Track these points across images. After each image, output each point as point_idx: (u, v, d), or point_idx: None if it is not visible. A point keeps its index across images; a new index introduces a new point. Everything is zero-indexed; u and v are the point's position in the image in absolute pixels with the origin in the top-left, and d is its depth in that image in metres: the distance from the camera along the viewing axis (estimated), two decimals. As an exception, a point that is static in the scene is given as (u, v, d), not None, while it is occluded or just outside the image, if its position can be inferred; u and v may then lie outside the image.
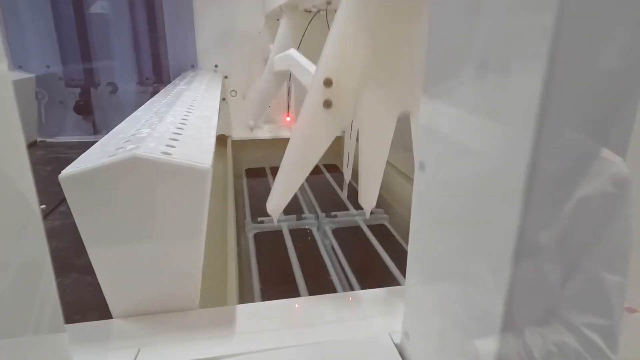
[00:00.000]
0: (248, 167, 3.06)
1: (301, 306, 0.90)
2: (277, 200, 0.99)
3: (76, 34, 2.87)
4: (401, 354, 0.72)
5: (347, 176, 1.04)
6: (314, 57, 1.61)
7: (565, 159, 0.46)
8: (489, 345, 0.53)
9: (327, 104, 0.85)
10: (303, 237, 1.91)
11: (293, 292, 1.41)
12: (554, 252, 0.51)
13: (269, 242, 1.80)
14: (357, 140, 0.98)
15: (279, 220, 1.91)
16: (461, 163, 0.55)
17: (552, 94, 0.41)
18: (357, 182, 1.07)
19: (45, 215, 1.54)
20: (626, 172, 0.50)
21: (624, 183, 0.51)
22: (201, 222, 0.79)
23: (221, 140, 2.87)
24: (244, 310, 0.86)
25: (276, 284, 1.49)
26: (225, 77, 3.15)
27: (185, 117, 1.13)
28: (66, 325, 0.57)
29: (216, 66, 3.11)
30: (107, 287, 0.81)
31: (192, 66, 3.07)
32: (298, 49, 1.80)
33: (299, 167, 0.96)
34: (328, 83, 0.84)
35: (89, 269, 0.78)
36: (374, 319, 0.83)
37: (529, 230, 0.48)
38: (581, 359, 0.56)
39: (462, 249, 0.55)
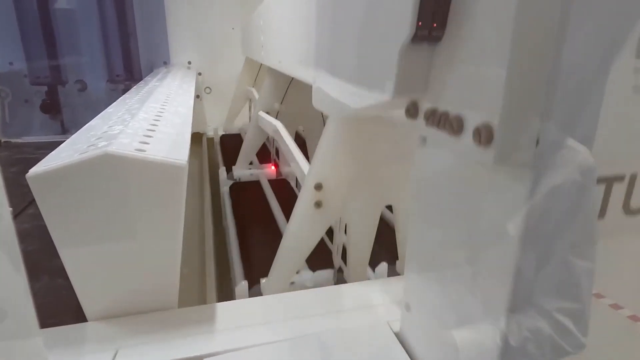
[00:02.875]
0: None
1: (290, 301, 0.89)
2: (275, 289, 1.06)
3: (41, 30, 2.76)
4: (401, 342, 0.74)
5: (337, 264, 1.18)
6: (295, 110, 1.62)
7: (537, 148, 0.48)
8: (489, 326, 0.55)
9: (318, 204, 0.96)
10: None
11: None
12: (527, 241, 0.53)
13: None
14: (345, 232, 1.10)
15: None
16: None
17: (516, 84, 0.42)
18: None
19: (13, 218, 1.48)
20: (592, 161, 0.52)
21: (590, 171, 0.53)
22: (178, 220, 0.77)
23: (196, 137, 2.83)
24: (225, 307, 0.85)
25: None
26: (199, 74, 3.10)
27: (159, 114, 1.10)
28: (40, 329, 0.55)
29: (189, 63, 3.05)
30: (80, 290, 0.79)
31: (165, 63, 3.01)
32: (281, 103, 1.94)
33: (293, 259, 1.05)
34: (318, 187, 0.95)
35: (60, 272, 0.76)
36: (372, 309, 0.84)
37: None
38: (554, 343, 0.58)
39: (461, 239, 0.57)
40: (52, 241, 0.73)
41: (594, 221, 0.57)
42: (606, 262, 0.58)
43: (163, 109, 1.20)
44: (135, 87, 1.80)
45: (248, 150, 2.22)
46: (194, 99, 3.04)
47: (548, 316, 0.58)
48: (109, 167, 0.70)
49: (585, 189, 0.54)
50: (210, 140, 3.00)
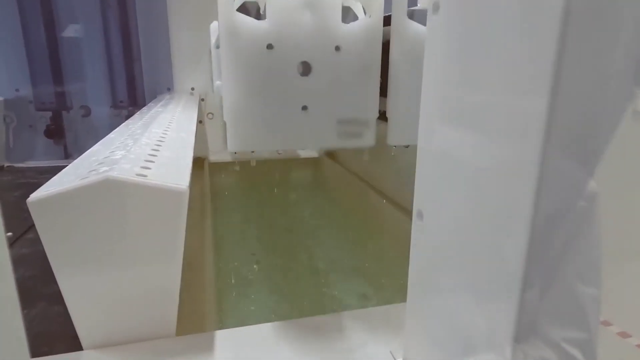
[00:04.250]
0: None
1: (291, 330, 0.88)
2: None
3: (48, 57, 2.82)
4: None
5: None
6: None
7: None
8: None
9: None
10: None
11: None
12: (532, 267, 0.52)
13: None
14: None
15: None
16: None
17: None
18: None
19: (12, 243, 1.47)
20: (595, 187, 0.52)
21: (595, 197, 0.53)
22: (178, 246, 0.77)
23: (198, 162, 2.84)
24: (225, 335, 0.83)
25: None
26: (202, 99, 3.14)
27: (162, 139, 1.11)
28: (33, 359, 0.53)
29: (192, 89, 3.10)
30: (77, 317, 0.77)
31: (168, 89, 3.05)
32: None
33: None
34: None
35: (57, 298, 0.75)
36: (374, 337, 0.82)
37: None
38: None
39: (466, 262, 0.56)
40: (50, 267, 0.72)
41: (599, 247, 0.57)
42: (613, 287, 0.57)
43: (165, 134, 1.20)
44: (138, 112, 1.82)
45: None
46: (197, 125, 3.08)
47: (555, 346, 0.57)
48: (110, 192, 0.70)
49: (590, 215, 0.53)
50: (213, 165, 3.01)
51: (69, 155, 2.97)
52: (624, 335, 0.81)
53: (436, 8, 0.54)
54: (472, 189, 0.53)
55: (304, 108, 0.85)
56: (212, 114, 3.21)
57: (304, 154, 3.21)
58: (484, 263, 0.53)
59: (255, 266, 1.92)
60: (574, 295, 0.56)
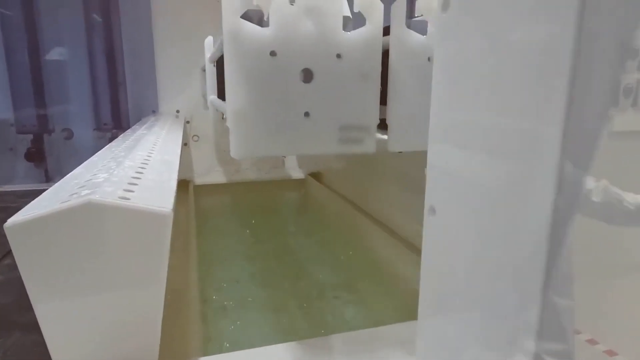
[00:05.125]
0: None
1: (287, 353, 0.85)
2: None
3: (31, 80, 2.80)
4: None
5: None
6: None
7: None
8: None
9: None
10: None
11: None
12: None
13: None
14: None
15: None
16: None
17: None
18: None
19: (-13, 269, 1.42)
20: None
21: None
22: (161, 270, 0.75)
23: (183, 185, 2.82)
24: (207, 363, 0.81)
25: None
26: (187, 122, 3.14)
27: (146, 162, 1.10)
28: (5, 392, 0.51)
29: (178, 111, 3.10)
30: (54, 346, 0.74)
31: (153, 111, 3.04)
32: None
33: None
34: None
35: (34, 327, 0.72)
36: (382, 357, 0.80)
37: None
38: None
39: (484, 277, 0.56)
40: (26, 294, 0.70)
41: (571, 257, 0.58)
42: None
43: (150, 156, 1.19)
44: (122, 135, 1.80)
45: None
46: (182, 147, 3.07)
47: (537, 358, 0.57)
48: (92, 216, 0.69)
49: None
50: (198, 188, 2.98)
51: (50, 178, 2.91)
52: (610, 353, 0.82)
53: (445, 6, 0.55)
54: (483, 203, 0.53)
55: (306, 114, 0.86)
56: (198, 136, 3.20)
57: (291, 175, 3.21)
58: (498, 277, 0.54)
59: (240, 291, 1.88)
60: (551, 308, 0.57)
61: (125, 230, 0.71)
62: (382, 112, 0.95)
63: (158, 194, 0.81)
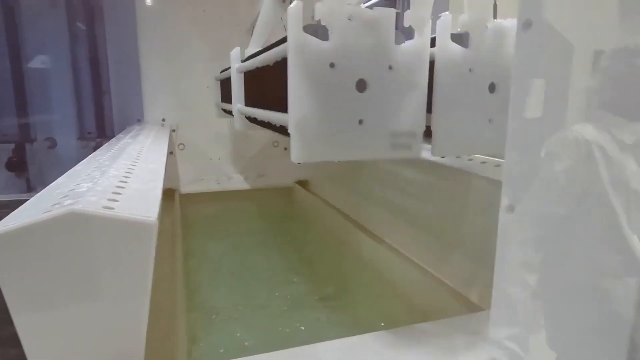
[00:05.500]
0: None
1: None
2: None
3: (12, 89, 2.74)
4: None
5: None
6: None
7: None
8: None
9: None
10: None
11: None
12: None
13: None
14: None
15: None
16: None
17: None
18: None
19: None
20: None
21: None
22: (146, 280, 0.74)
23: (169, 194, 2.79)
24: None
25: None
26: (173, 130, 3.12)
27: (130, 171, 1.09)
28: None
29: (163, 120, 3.07)
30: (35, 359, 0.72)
31: (138, 120, 3.01)
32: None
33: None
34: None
35: (14, 342, 0.70)
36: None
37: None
38: None
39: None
40: (5, 308, 0.68)
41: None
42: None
43: (134, 165, 1.18)
44: (107, 144, 1.78)
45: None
46: (167, 156, 3.04)
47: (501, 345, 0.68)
48: (75, 226, 0.68)
49: None
50: (184, 197, 2.95)
51: (32, 188, 2.85)
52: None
53: (527, 26, 0.60)
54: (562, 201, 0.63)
55: (360, 122, 0.90)
56: (184, 144, 3.18)
57: (278, 183, 3.20)
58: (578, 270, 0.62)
59: (226, 298, 1.86)
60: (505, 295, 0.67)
61: (110, 240, 0.70)
62: (427, 119, 0.99)
63: (143, 203, 0.80)
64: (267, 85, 1.23)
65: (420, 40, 0.91)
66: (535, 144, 0.64)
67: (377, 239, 1.90)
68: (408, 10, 0.92)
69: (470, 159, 1.37)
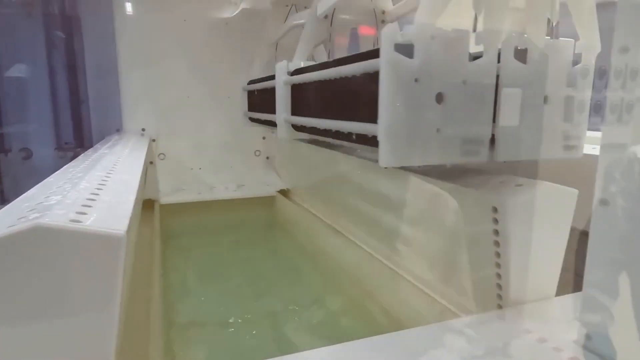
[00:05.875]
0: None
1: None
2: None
3: (-14, 98, 2.70)
4: None
5: None
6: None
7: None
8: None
9: None
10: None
11: None
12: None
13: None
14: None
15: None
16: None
17: None
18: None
19: None
20: None
21: None
22: (115, 294, 0.73)
23: (148, 205, 2.75)
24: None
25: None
26: (153, 140, 3.09)
27: (103, 182, 1.07)
28: None
29: (143, 130, 3.04)
30: (-1, 379, 0.70)
31: (118, 130, 2.98)
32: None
33: None
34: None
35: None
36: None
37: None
38: None
39: None
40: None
41: None
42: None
43: (108, 177, 1.17)
44: (82, 155, 1.76)
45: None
46: (147, 166, 3.01)
47: None
48: (40, 240, 0.67)
49: None
50: (165, 207, 2.92)
51: (5, 200, 2.79)
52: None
53: (624, 50, 0.76)
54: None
55: (438, 130, 1.02)
56: (164, 154, 3.15)
57: (260, 192, 3.19)
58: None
59: (204, 310, 1.84)
60: None
61: (77, 255, 0.69)
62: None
63: (112, 216, 0.79)
64: (334, 97, 1.40)
65: (488, 59, 1.04)
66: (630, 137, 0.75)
67: (357, 247, 1.91)
68: (479, 30, 1.06)
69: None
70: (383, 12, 2.01)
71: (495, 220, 1.04)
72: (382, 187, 1.66)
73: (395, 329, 0.98)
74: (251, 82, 2.72)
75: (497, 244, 1.05)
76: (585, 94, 1.17)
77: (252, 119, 2.80)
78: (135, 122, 3.02)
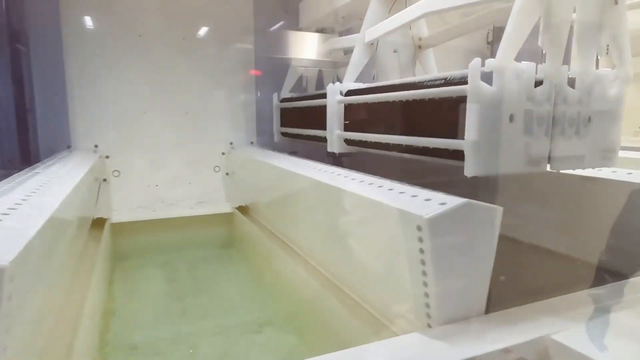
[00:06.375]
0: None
1: None
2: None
3: None
4: None
5: None
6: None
7: None
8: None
9: None
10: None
11: None
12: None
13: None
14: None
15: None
16: None
17: None
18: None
19: None
20: None
21: None
22: None
23: (98, 224, 2.65)
24: None
25: None
26: (107, 157, 3.00)
27: (15, 206, 1.02)
28: None
29: (96, 146, 2.96)
30: None
31: (68, 147, 2.88)
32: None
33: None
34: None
35: None
36: None
37: None
38: None
39: None
40: None
41: None
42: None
43: (26, 199, 1.11)
44: (15, 175, 1.68)
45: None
46: (101, 183, 2.91)
47: None
48: None
49: None
50: (117, 226, 2.82)
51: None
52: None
53: None
54: None
55: (509, 145, 1.25)
56: (119, 171, 3.06)
57: (218, 210, 3.13)
58: None
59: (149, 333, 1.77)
60: None
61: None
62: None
63: (4, 244, 0.75)
64: (405, 115, 1.63)
65: (547, 86, 1.27)
66: None
67: (306, 263, 1.88)
68: (543, 64, 1.28)
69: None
70: (420, 39, 2.26)
71: (420, 239, 1.04)
72: (327, 203, 1.65)
73: (337, 348, 0.96)
74: (286, 100, 3.03)
75: (423, 262, 1.05)
76: (619, 114, 1.43)
77: (285, 134, 3.07)
78: (87, 138, 2.93)
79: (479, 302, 1.10)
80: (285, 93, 3.12)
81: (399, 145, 1.64)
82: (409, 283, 1.13)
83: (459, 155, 1.30)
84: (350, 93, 2.07)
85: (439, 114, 1.44)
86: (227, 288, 2.35)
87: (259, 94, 3.34)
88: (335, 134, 2.11)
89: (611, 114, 1.41)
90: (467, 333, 1.03)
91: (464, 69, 1.29)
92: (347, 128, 2.09)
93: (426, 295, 1.07)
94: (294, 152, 3.28)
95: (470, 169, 1.24)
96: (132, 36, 2.95)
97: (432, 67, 2.31)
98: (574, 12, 1.33)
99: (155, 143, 3.12)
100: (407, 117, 1.62)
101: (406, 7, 1.96)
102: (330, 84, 2.14)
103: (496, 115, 1.21)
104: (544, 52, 1.30)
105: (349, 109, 2.08)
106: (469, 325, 1.07)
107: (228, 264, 2.77)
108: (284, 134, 3.11)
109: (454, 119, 1.31)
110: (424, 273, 1.06)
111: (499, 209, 1.07)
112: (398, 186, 1.32)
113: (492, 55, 1.24)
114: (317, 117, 2.31)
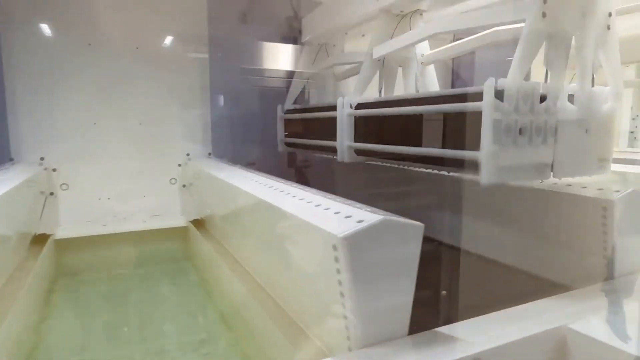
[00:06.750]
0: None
1: None
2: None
3: None
4: None
5: None
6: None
7: None
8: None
9: None
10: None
11: None
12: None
13: None
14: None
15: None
16: None
17: None
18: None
19: None
20: None
21: None
22: None
23: (40, 240, 2.52)
24: None
25: None
26: (54, 169, 2.88)
27: None
28: None
29: (42, 159, 2.83)
30: None
31: (11, 159, 2.75)
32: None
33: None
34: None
35: None
36: None
37: None
38: None
39: None
40: None
41: None
42: None
43: None
44: None
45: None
46: (47, 197, 2.79)
47: None
48: None
49: None
50: (62, 242, 2.68)
51: None
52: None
53: None
54: None
55: (520, 155, 1.37)
56: (67, 184, 2.93)
57: (173, 223, 3.03)
58: None
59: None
60: None
61: None
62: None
63: None
64: (420, 128, 1.75)
65: (550, 102, 1.40)
66: None
67: (252, 280, 1.82)
68: (548, 82, 1.42)
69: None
70: (422, 55, 2.38)
71: (336, 259, 0.99)
72: (262, 218, 1.60)
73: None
74: (291, 111, 3.10)
75: (339, 282, 1.01)
76: (612, 127, 1.54)
77: (290, 144, 3.13)
78: (32, 150, 2.80)
79: (401, 323, 1.06)
80: (289, 104, 3.19)
81: (413, 155, 1.75)
82: (329, 303, 1.09)
83: (469, 165, 1.44)
84: (360, 106, 2.17)
85: (453, 126, 1.57)
86: (173, 306, 2.26)
87: (213, 104, 3.27)
88: (345, 145, 2.21)
89: (605, 127, 1.52)
90: (387, 357, 0.99)
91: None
92: (358, 139, 2.19)
93: (344, 317, 1.02)
94: (252, 164, 3.23)
95: (485, 177, 1.34)
96: (80, 45, 2.85)
97: (434, 82, 2.40)
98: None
99: (107, 155, 3.01)
100: (419, 129, 1.74)
101: (410, 26, 2.23)
102: (339, 98, 2.23)
103: (508, 128, 1.33)
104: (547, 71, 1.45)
105: (360, 120, 2.18)
106: (390, 348, 1.02)
107: (180, 279, 2.67)
108: (288, 144, 3.15)
109: (469, 132, 1.42)
110: (342, 294, 1.01)
111: (420, 226, 1.04)
112: (328, 202, 1.28)
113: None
114: (326, 127, 2.39)
